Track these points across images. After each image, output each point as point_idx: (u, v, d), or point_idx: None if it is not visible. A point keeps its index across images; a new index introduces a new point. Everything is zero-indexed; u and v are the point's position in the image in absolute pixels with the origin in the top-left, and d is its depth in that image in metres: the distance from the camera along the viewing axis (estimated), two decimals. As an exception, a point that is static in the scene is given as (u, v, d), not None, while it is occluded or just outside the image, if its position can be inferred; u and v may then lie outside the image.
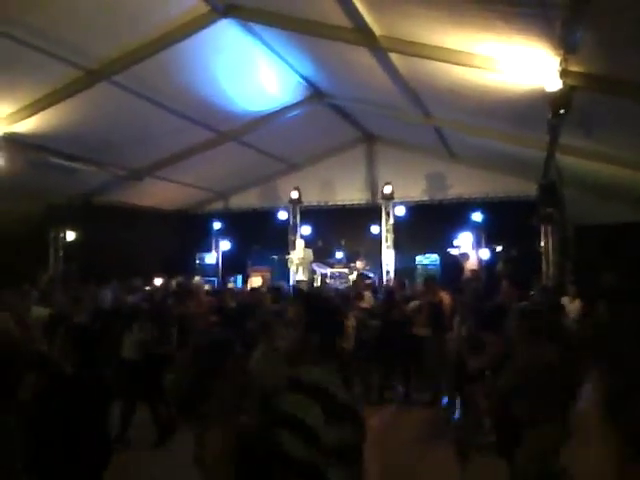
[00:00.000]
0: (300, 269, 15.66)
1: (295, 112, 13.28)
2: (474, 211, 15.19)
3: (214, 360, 2.15)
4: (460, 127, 12.39)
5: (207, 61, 10.32)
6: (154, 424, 7.56)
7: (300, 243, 15.97)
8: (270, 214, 17.00)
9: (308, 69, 11.68)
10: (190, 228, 17.81)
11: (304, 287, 13.08)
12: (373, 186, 17.02)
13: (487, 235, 15.16)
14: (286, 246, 16.43)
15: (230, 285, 14.55)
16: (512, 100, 8.85)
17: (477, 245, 15.33)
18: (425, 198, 16.49)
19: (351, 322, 9.55)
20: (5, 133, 10.31)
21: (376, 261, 16.09)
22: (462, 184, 15.85)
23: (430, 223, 15.46)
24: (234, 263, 17.10)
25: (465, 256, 15.30)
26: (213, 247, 17.66)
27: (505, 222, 14.13)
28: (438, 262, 15.73)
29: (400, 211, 15.92)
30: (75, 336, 3.92)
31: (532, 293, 11.40)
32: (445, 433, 7.24)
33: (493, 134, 11.76)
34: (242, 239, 17.09)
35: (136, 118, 11.49)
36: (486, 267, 15.01)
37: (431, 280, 10.32)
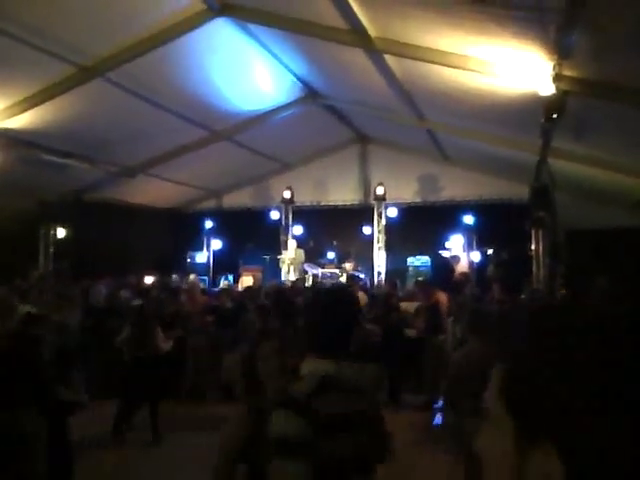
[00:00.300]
0: (291, 269, 15.66)
1: (289, 112, 13.27)
2: (466, 213, 15.25)
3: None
4: (453, 130, 12.44)
5: (202, 60, 10.30)
6: (150, 424, 7.57)
7: (292, 243, 15.97)
8: (262, 214, 17.01)
9: (303, 69, 11.68)
10: (182, 226, 17.76)
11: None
12: (366, 187, 17.03)
13: (478, 238, 15.21)
14: (278, 246, 16.43)
15: (225, 284, 14.49)
16: (505, 104, 8.88)
17: (468, 248, 15.38)
18: (417, 200, 16.53)
19: None
20: (-3, 129, 10.27)
21: (367, 262, 16.12)
22: (454, 186, 15.91)
23: (422, 225, 15.51)
24: (225, 262, 17.05)
25: (456, 258, 15.35)
26: (204, 246, 17.62)
27: (497, 225, 14.19)
28: (429, 264, 15.77)
29: (392, 212, 15.96)
30: None
31: (522, 297, 11.46)
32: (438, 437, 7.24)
33: (486, 137, 11.81)
34: (234, 238, 17.05)
35: (129, 115, 11.44)
36: (477, 270, 15.06)
37: (426, 283, 10.32)
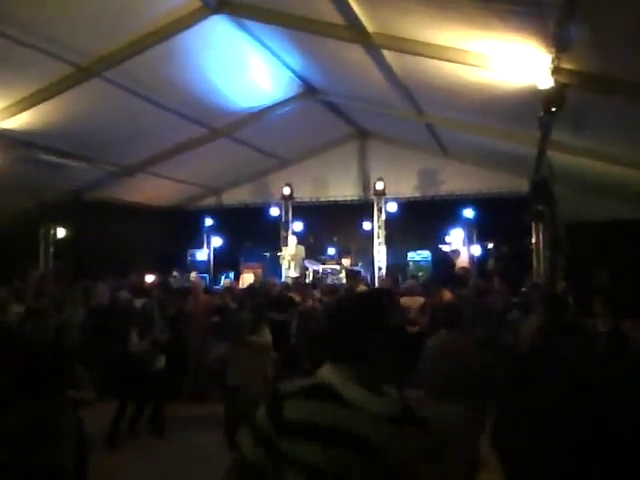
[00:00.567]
0: (292, 265, 15.66)
1: (287, 108, 13.25)
2: (466, 207, 15.23)
3: None
4: (453, 124, 12.41)
5: (199, 57, 10.28)
6: (154, 424, 7.58)
7: (292, 239, 15.96)
8: (262, 210, 17.00)
9: (301, 65, 11.66)
10: (182, 224, 17.72)
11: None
12: (365, 182, 17.02)
13: (478, 232, 15.20)
14: (278, 242, 16.42)
15: (226, 282, 14.44)
16: (504, 97, 8.87)
17: (468, 242, 15.37)
18: (417, 194, 16.52)
19: None
20: (-5, 129, 10.26)
21: (368, 257, 16.13)
22: (454, 180, 15.89)
23: (422, 219, 15.50)
24: (226, 259, 17.06)
25: (456, 252, 15.35)
26: (205, 243, 17.62)
27: (497, 219, 14.17)
28: (429, 258, 15.78)
29: (392, 207, 15.95)
30: None
31: (523, 290, 11.46)
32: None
33: (485, 131, 11.79)
34: (234, 235, 17.05)
35: (128, 114, 11.43)
36: (477, 264, 15.07)
37: (432, 282, 10.23)
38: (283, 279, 15.17)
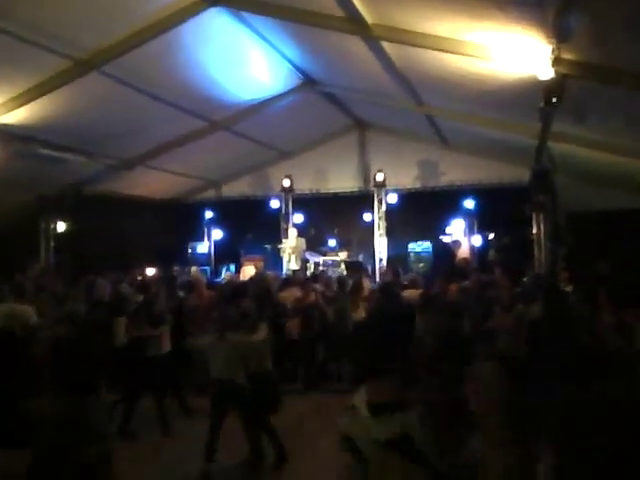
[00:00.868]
0: (293, 258, 15.65)
1: (287, 100, 13.20)
2: (466, 198, 15.23)
3: None
4: (453, 115, 12.37)
5: (197, 50, 10.22)
6: (158, 416, 7.61)
7: (293, 232, 15.94)
8: (262, 203, 16.97)
9: (300, 57, 11.60)
10: (182, 217, 17.70)
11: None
12: (365, 174, 16.99)
13: (479, 222, 15.20)
14: (279, 235, 16.40)
15: (227, 275, 14.42)
16: (505, 88, 8.82)
17: (469, 232, 15.37)
18: (417, 185, 16.49)
19: (359, 314, 9.59)
20: (-6, 124, 10.23)
21: (368, 249, 16.12)
22: (454, 171, 15.87)
23: (422, 210, 15.50)
24: (226, 252, 17.07)
25: (457, 243, 15.35)
26: (205, 236, 17.61)
27: (497, 209, 14.16)
28: (430, 249, 15.77)
29: (392, 199, 15.92)
30: None
31: (525, 279, 11.47)
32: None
33: (486, 122, 11.75)
34: (234, 228, 17.06)
35: (126, 108, 11.38)
36: (478, 254, 15.07)
37: (441, 278, 10.17)
38: (284, 271, 15.20)
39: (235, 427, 6.40)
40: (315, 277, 12.00)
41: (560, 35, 6.41)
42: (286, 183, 16.51)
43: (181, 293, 10.33)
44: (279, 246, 15.97)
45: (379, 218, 15.88)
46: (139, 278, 12.57)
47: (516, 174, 14.32)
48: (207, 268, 16.66)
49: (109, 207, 14.94)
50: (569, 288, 9.91)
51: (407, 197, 15.97)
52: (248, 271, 15.06)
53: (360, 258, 15.79)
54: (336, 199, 16.82)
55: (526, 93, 8.12)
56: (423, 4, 7.33)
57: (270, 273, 12.79)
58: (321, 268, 15.24)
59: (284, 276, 13.45)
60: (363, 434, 2.25)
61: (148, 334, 7.68)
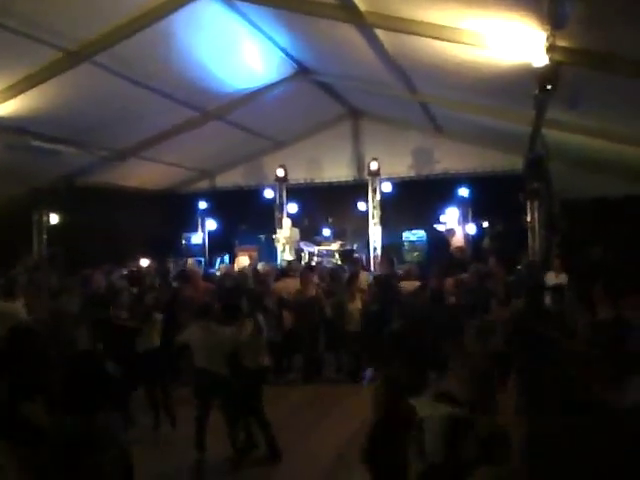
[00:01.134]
0: (287, 248, 15.64)
1: (280, 89, 13.12)
2: (460, 186, 15.20)
3: None
4: (446, 103, 12.33)
5: (189, 39, 10.13)
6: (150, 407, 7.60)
7: (287, 222, 15.91)
8: (256, 192, 16.90)
9: (292, 46, 11.52)
10: (176, 208, 17.65)
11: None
12: (359, 163, 16.94)
13: (474, 210, 15.20)
14: (273, 225, 16.37)
15: (222, 267, 14.37)
16: (499, 75, 8.79)
17: (464, 220, 15.37)
18: (412, 174, 16.45)
19: (356, 305, 9.58)
20: (-15, 116, 10.13)
21: (363, 238, 16.11)
22: (449, 159, 15.84)
23: (417, 199, 15.51)
24: (221, 243, 17.04)
25: (451, 232, 15.35)
26: (199, 227, 17.55)
27: (492, 197, 14.15)
28: (425, 238, 15.76)
29: (387, 187, 15.88)
30: None
31: (519, 267, 11.50)
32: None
33: (480, 109, 11.71)
34: (228, 218, 17.02)
35: (119, 98, 11.29)
36: (473, 243, 15.08)
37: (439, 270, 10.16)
38: (279, 261, 15.18)
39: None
40: (312, 268, 11.98)
41: (555, 22, 6.36)
42: (280, 173, 16.44)
43: (175, 284, 10.31)
44: (273, 236, 15.95)
45: (373, 207, 15.86)
46: (133, 269, 12.52)
47: (510, 162, 14.32)
48: (201, 259, 16.63)
49: (102, 199, 14.86)
50: (562, 276, 9.93)
51: (401, 186, 15.94)
52: (242, 261, 15.04)
53: (355, 247, 15.77)
54: (330, 188, 16.78)
55: (520, 80, 8.08)
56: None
57: (266, 264, 12.78)
58: (316, 258, 15.22)
59: (279, 267, 13.44)
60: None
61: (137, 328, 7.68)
